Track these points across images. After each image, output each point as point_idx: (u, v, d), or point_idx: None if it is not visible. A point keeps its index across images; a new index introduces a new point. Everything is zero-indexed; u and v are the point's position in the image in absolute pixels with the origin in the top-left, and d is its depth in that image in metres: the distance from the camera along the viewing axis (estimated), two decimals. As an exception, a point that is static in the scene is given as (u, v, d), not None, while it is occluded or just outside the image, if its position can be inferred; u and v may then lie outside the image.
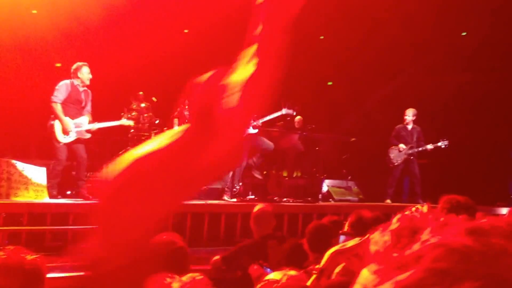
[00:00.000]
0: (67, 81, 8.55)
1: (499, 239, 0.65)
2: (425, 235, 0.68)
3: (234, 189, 9.74)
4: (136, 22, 12.33)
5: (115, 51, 12.12)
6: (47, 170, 8.32)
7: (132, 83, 12.04)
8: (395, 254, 0.67)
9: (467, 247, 0.64)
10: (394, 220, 0.73)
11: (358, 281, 0.69)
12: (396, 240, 0.71)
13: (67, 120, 8.40)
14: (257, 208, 5.52)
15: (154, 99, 12.05)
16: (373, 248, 0.72)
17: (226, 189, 9.49)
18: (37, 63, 11.92)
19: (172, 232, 3.04)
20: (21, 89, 11.26)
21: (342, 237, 3.51)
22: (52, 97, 8.40)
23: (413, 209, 1.10)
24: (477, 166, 12.19)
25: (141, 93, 11.86)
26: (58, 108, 8.36)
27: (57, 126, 8.37)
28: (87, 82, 8.59)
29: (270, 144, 9.82)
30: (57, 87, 8.47)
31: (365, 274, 0.69)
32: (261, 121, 9.70)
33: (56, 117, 8.37)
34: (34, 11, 11.75)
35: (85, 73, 8.55)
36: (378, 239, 0.73)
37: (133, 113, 11.64)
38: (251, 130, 9.62)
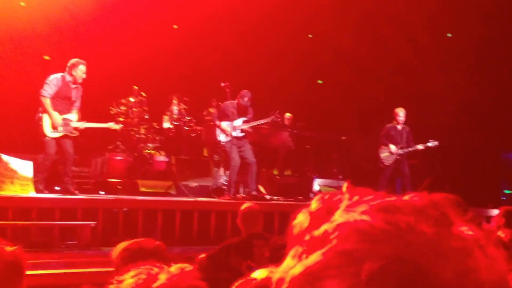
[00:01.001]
0: (58, 75, 8.32)
1: (408, 216, 0.62)
2: (336, 215, 0.65)
3: (225, 187, 9.69)
4: (126, 16, 12.21)
5: (105, 45, 12.00)
6: (35, 164, 8.16)
7: (122, 78, 11.91)
8: (306, 237, 0.65)
9: (371, 226, 0.61)
10: (314, 200, 0.70)
11: (280, 267, 0.67)
12: (312, 221, 0.68)
13: (56, 114, 8.19)
14: (244, 206, 5.42)
15: (143, 94, 11.92)
16: (295, 230, 0.68)
17: (225, 189, 9.54)
18: (26, 56, 11.76)
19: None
20: (9, 82, 11.09)
21: None
22: (42, 90, 8.18)
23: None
24: (468, 168, 12.18)
25: (135, 87, 11.71)
26: (47, 103, 8.16)
27: (45, 120, 8.18)
28: (79, 81, 8.35)
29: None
30: (47, 81, 8.24)
31: (287, 260, 0.67)
32: (247, 125, 9.63)
33: (45, 111, 8.18)
34: (23, 4, 11.58)
35: (80, 71, 8.30)
36: (298, 221, 0.70)
37: (122, 107, 11.50)
38: (239, 134, 9.56)
